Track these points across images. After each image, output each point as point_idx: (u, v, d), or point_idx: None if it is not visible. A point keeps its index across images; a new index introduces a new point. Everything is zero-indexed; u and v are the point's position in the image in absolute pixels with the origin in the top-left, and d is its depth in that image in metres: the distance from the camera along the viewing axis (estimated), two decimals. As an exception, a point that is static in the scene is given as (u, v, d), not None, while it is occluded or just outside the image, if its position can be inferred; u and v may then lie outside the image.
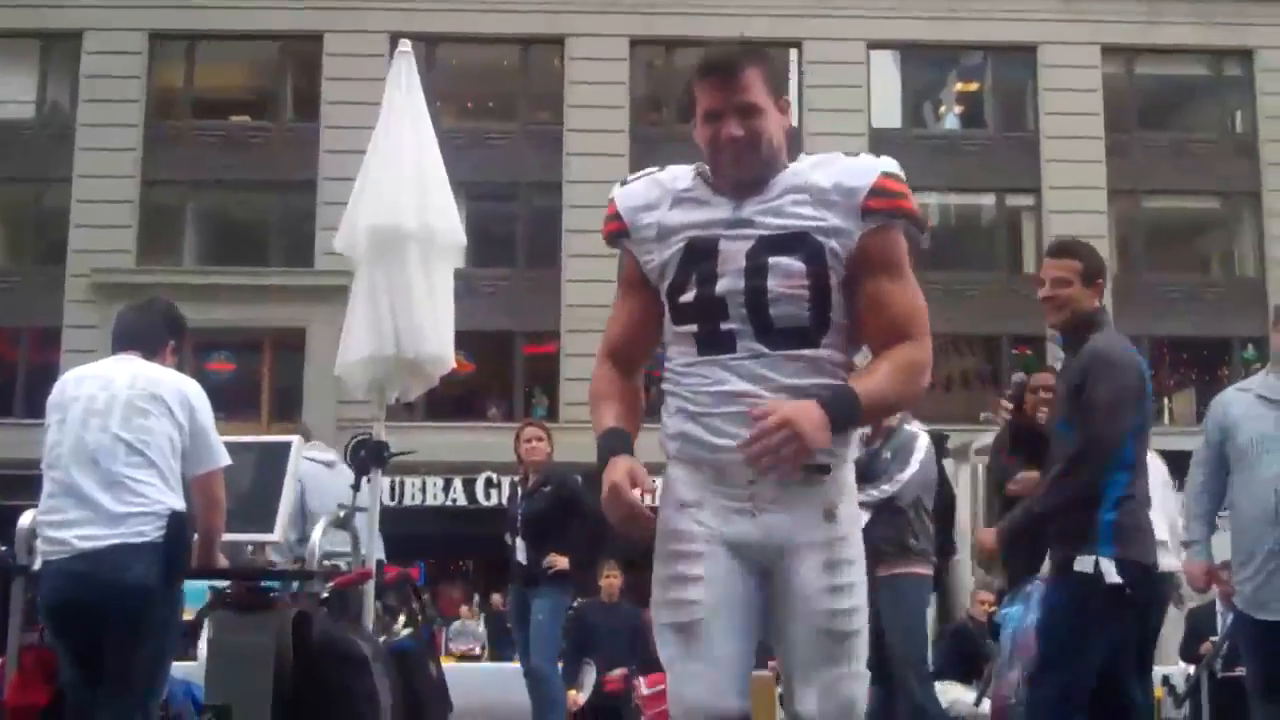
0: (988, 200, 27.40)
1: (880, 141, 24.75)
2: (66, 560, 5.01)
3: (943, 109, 28.28)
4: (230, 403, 20.97)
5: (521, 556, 8.76)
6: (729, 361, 3.08)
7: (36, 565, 5.42)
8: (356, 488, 6.44)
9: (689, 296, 3.11)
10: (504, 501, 8.89)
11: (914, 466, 7.27)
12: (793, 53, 26.35)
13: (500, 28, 25.74)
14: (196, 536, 5.30)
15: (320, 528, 6.07)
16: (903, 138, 26.08)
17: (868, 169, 3.11)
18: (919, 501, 7.33)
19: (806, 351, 3.07)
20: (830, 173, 3.12)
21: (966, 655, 10.59)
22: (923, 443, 7.38)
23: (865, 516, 7.23)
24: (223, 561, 5.61)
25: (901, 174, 3.14)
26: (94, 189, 25.52)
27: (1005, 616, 6.51)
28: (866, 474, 7.16)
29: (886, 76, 27.12)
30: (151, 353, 5.41)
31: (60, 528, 5.06)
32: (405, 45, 7.10)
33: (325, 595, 5.90)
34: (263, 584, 5.95)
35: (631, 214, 3.21)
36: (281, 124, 27.02)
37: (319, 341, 23.14)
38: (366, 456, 6.46)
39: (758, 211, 3.10)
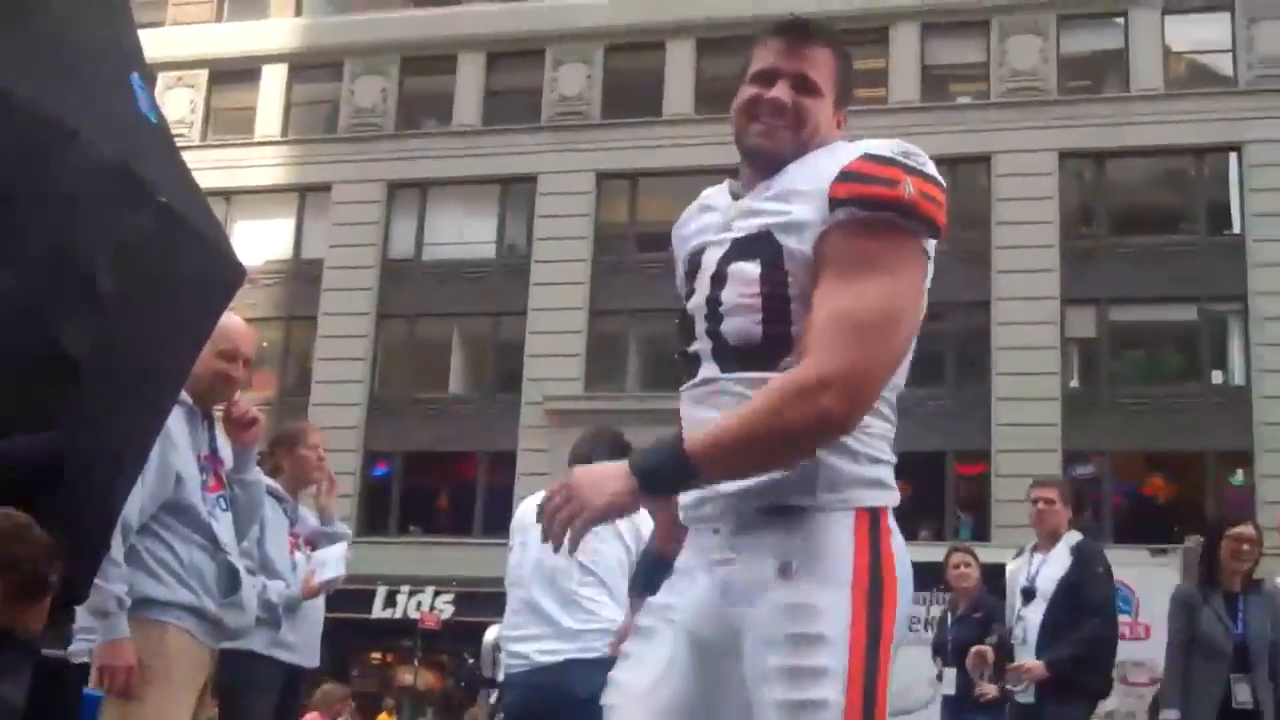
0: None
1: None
2: (527, 674, 5.41)
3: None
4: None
5: (951, 686, 8.70)
6: (688, 391, 2.61)
7: (500, 677, 5.90)
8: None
9: (678, 319, 2.67)
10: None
11: None
12: (1231, 156, 25.54)
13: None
14: None
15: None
16: None
17: (848, 152, 2.51)
18: None
19: (757, 374, 2.45)
20: (810, 164, 2.54)
21: None
22: None
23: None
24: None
25: (898, 156, 2.48)
26: (546, 320, 27.26)
27: None
28: None
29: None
30: None
31: (522, 642, 5.47)
32: None
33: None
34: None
35: (675, 232, 2.81)
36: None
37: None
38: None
39: (742, 211, 2.58)
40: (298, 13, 31.09)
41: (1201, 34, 26.57)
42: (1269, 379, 24.33)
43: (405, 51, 29.85)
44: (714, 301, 2.52)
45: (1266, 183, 24.85)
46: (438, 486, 28.47)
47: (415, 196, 29.34)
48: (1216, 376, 25.66)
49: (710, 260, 2.57)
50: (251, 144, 30.11)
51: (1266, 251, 24.65)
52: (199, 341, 3.62)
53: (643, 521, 5.58)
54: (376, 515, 27.57)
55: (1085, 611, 6.79)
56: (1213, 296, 25.39)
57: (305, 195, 29.85)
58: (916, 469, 23.87)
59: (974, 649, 7.40)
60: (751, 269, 2.48)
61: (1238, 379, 25.25)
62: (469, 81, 29.45)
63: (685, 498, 2.57)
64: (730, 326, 2.49)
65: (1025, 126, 26.05)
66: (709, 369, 2.54)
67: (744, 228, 2.54)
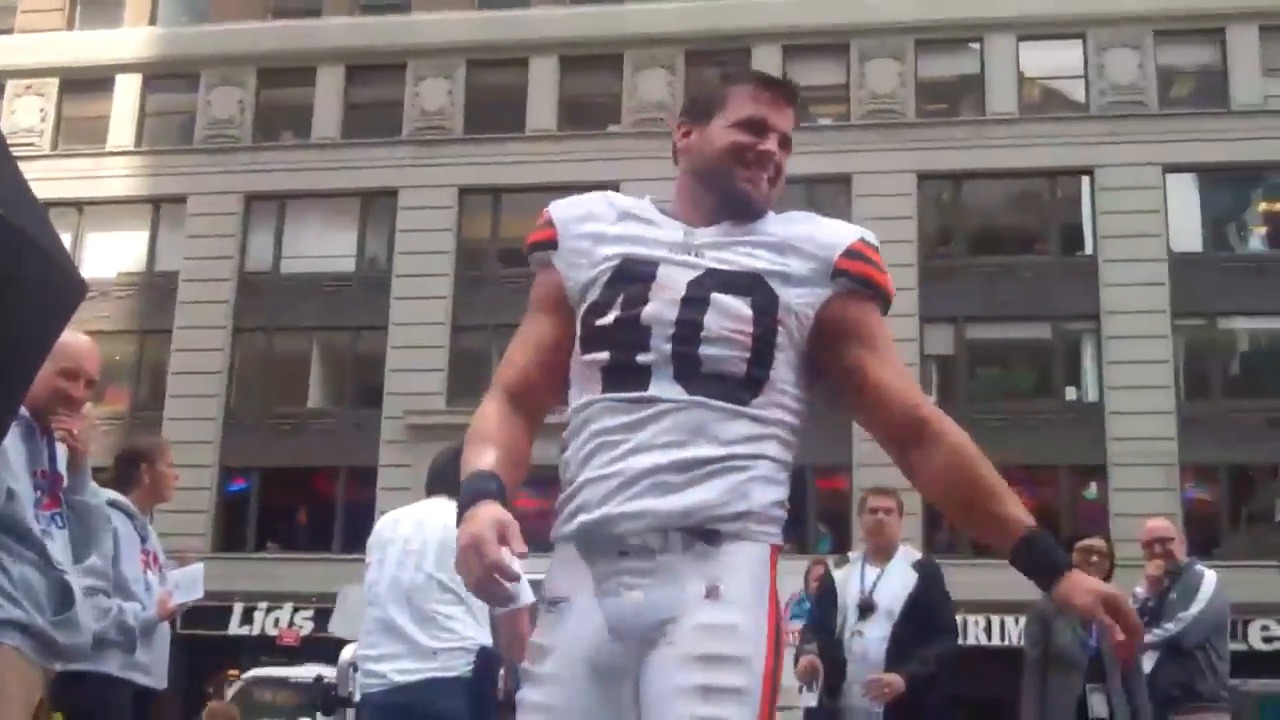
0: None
1: (1181, 266, 24.34)
2: (385, 693, 5.30)
3: (1247, 230, 27.39)
4: (534, 537, 21.47)
5: (813, 699, 8.70)
6: (631, 402, 2.55)
7: (357, 696, 5.73)
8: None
9: (608, 319, 2.62)
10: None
11: (1200, 605, 7.10)
12: (1084, 179, 26.20)
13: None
14: (502, 671, 5.55)
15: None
16: (1205, 261, 25.54)
17: (848, 230, 2.70)
18: (1209, 643, 7.14)
19: (730, 406, 2.55)
20: (802, 227, 2.69)
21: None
22: (1210, 580, 7.21)
23: (1153, 659, 7.10)
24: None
25: (877, 246, 2.72)
26: (408, 335, 27.02)
27: None
28: (1155, 615, 7.06)
29: (1185, 200, 26.51)
30: None
31: (379, 661, 5.36)
32: None
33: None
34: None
35: (565, 224, 2.76)
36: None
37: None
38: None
39: (710, 245, 2.65)
40: (152, 21, 30.42)
41: (1055, 60, 27.23)
42: (1120, 395, 24.98)
43: (263, 63, 29.39)
44: (690, 324, 2.57)
45: (1117, 205, 25.51)
46: (296, 502, 28.04)
47: (273, 209, 28.89)
48: (1070, 393, 26.28)
49: (675, 279, 2.61)
50: (104, 154, 29.40)
51: (1117, 272, 25.30)
52: (38, 359, 3.46)
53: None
54: (233, 531, 27.09)
55: (937, 630, 6.69)
56: (1066, 315, 26.00)
57: (160, 207, 29.22)
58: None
59: (802, 659, 7.06)
60: (741, 307, 2.58)
61: (1091, 395, 25.88)
62: (328, 94, 29.10)
63: (577, 521, 2.56)
64: (710, 353, 2.56)
65: (884, 148, 26.47)
66: (663, 388, 2.56)
67: (724, 261, 2.62)
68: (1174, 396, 25.05)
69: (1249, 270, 25.89)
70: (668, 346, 2.57)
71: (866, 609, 6.76)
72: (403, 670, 5.28)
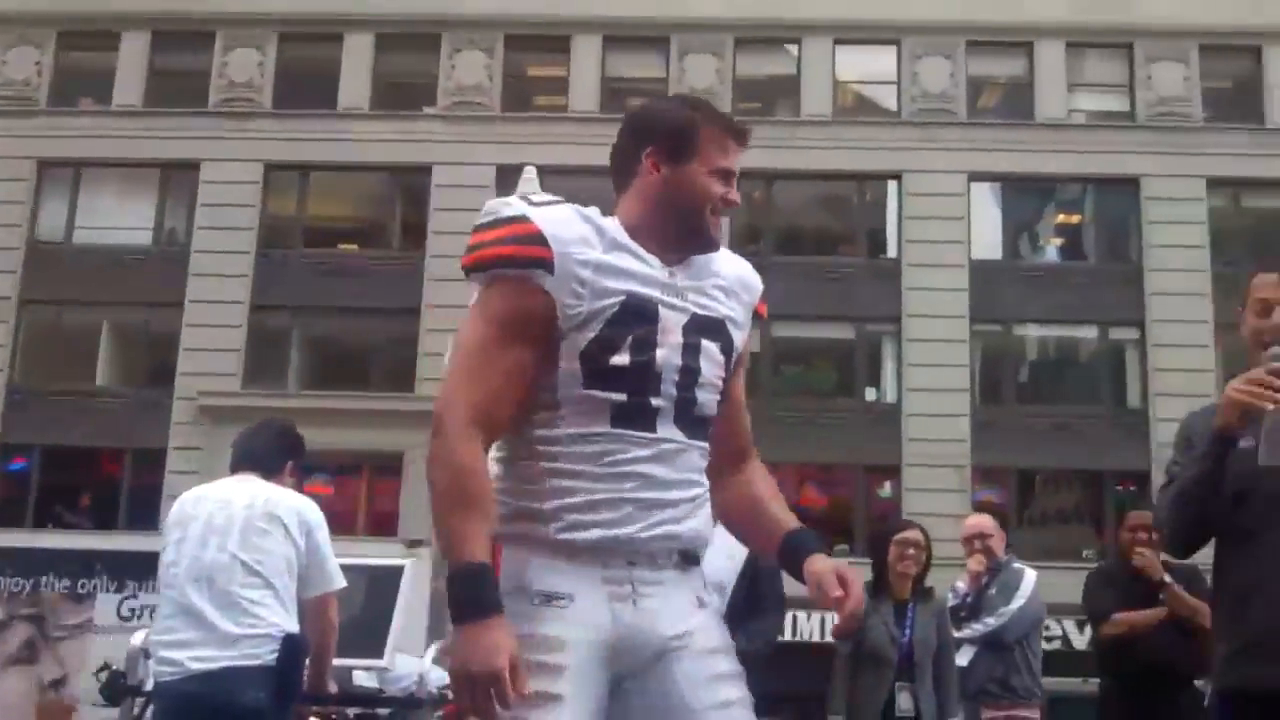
0: (1089, 333, 27.14)
1: (981, 273, 24.93)
2: (180, 681, 4.94)
3: (1043, 241, 28.22)
4: (339, 521, 21.06)
5: None
6: (645, 439, 2.70)
7: (149, 685, 5.40)
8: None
9: (622, 360, 2.67)
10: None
11: (1020, 601, 7.15)
12: (892, 184, 26.67)
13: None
14: (309, 660, 5.27)
15: (431, 653, 6.03)
16: (1003, 269, 26.22)
17: (743, 263, 2.96)
18: (1025, 640, 7.20)
19: (705, 445, 2.81)
20: (732, 267, 2.92)
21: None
22: (1029, 578, 7.28)
23: (970, 654, 7.13)
24: (333, 687, 5.54)
25: None
26: (204, 314, 26.17)
27: None
28: (975, 610, 7.07)
29: (988, 208, 27.18)
30: (270, 473, 5.32)
31: (174, 648, 4.98)
32: (530, 173, 7.17)
33: (433, 724, 5.86)
34: (369, 710, 5.91)
35: (564, 245, 2.67)
36: (388, 253, 27.58)
37: (418, 467, 23.38)
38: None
39: (689, 286, 2.79)
40: (-57, -26, 28.96)
41: (870, 65, 27.68)
42: (917, 398, 25.49)
43: (63, 24, 28.17)
44: (692, 371, 2.75)
45: (922, 210, 26.03)
46: (80, 483, 26.91)
47: (68, 177, 27.68)
48: (870, 394, 26.74)
49: (673, 323, 2.74)
50: (-116, 110, 27.84)
51: (920, 276, 25.81)
52: None
53: (314, 517, 5.22)
54: (11, 510, 25.85)
55: (768, 605, 6.45)
56: (869, 317, 26.45)
57: (-56, 170, 27.80)
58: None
59: None
60: (717, 352, 2.80)
61: (889, 397, 26.36)
62: (132, 60, 28.00)
63: (596, 533, 2.67)
64: (702, 398, 2.78)
65: None
66: (668, 430, 2.73)
67: (702, 307, 2.80)
68: (969, 400, 25.67)
69: (1044, 280, 26.66)
70: (675, 392, 2.73)
71: None
72: (200, 658, 4.91)
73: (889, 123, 27.21)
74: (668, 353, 2.71)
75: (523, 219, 2.69)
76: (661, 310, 2.72)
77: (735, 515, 2.99)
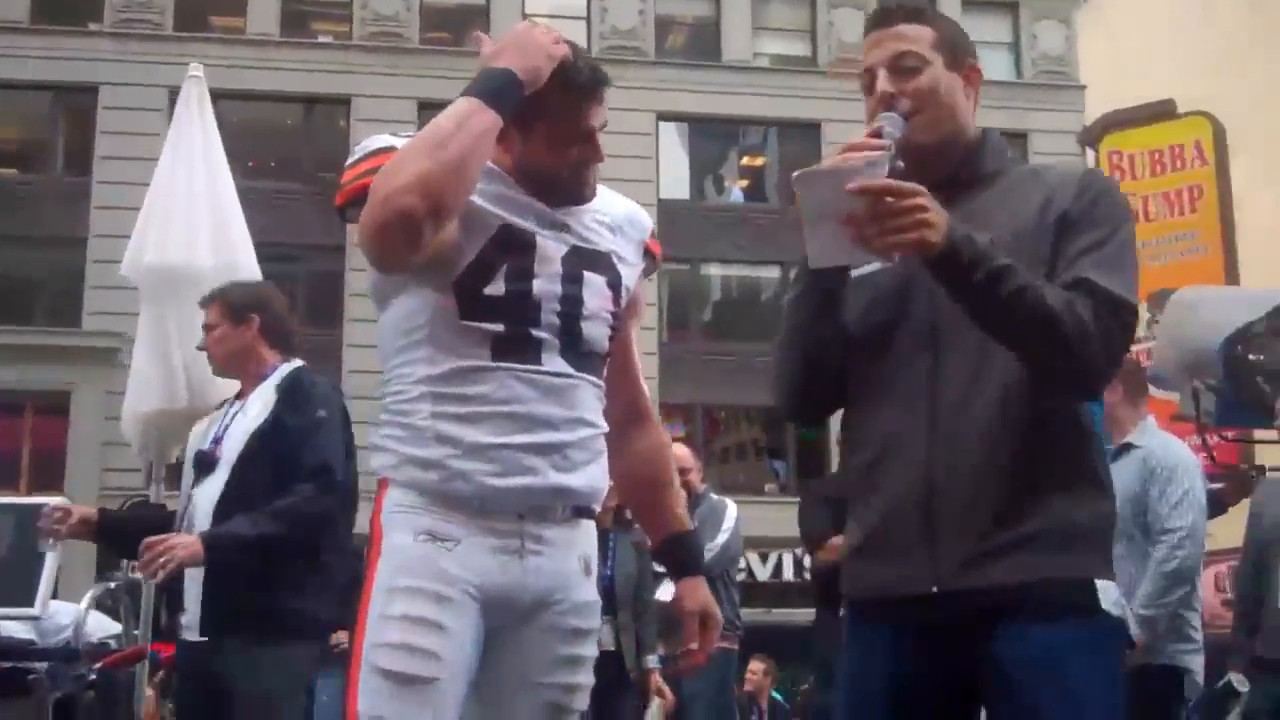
0: (772, 273, 27.79)
1: (668, 211, 25.16)
2: None
3: (728, 182, 28.71)
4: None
5: None
6: (532, 375, 2.60)
7: None
8: (130, 556, 5.91)
9: (497, 289, 2.59)
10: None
11: (725, 535, 7.12)
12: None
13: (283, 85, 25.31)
14: None
15: (87, 601, 5.57)
16: (690, 208, 26.56)
17: (634, 206, 2.90)
18: (725, 573, 7.17)
19: (598, 382, 2.73)
20: (615, 203, 2.86)
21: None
22: (732, 511, 7.25)
23: (669, 588, 7.04)
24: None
25: None
26: None
27: None
28: None
29: (675, 149, 27.45)
30: None
31: None
32: (197, 70, 6.47)
33: (92, 678, 5.41)
34: (21, 664, 5.41)
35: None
36: (51, 178, 25.93)
37: (85, 405, 22.18)
38: (145, 524, 5.94)
39: (570, 219, 2.71)
40: None
41: (560, 0, 27.48)
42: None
43: None
44: (574, 300, 2.66)
45: (614, 149, 26.02)
46: None
47: None
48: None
49: (550, 252, 2.66)
50: None
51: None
52: None
53: None
54: None
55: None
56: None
57: None
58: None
59: None
60: (603, 284, 2.72)
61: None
62: None
63: (476, 481, 2.58)
64: (590, 331, 2.69)
65: (385, 72, 25.81)
66: (555, 362, 2.63)
67: (584, 240, 2.71)
68: (656, 338, 25.95)
69: (729, 220, 27.13)
70: (557, 321, 2.63)
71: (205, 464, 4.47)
72: None
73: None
74: (545, 282, 2.64)
75: (391, 149, 2.59)
76: (539, 239, 2.66)
77: (630, 491, 3.04)
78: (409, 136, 2.61)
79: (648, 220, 2.90)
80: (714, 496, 7.36)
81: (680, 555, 2.95)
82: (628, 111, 26.20)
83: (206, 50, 24.66)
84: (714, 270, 27.72)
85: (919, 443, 2.49)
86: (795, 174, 2.32)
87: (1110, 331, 2.38)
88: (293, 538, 4.14)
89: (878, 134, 2.44)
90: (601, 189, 2.79)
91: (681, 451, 7.57)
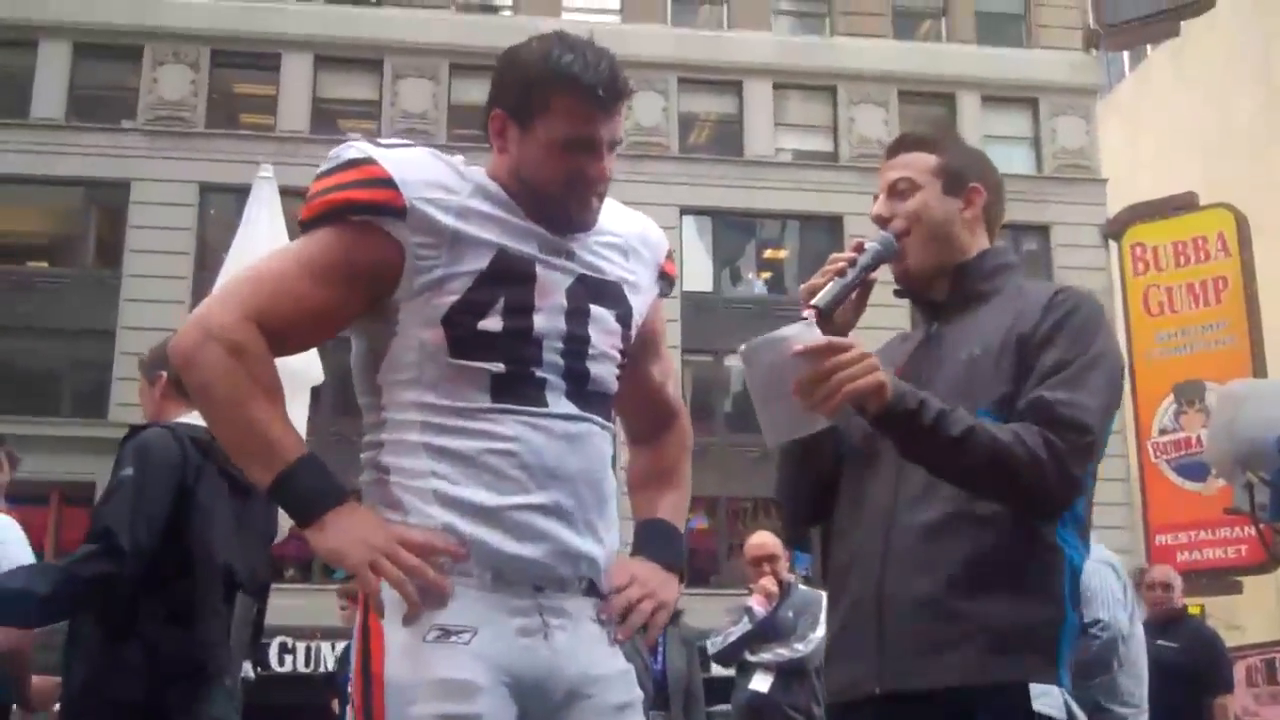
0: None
1: (692, 303, 25.33)
2: None
3: (750, 275, 28.88)
4: None
5: None
6: (536, 415, 2.34)
7: None
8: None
9: (493, 324, 2.31)
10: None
11: (823, 628, 7.01)
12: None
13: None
14: None
15: None
16: (712, 301, 26.75)
17: (653, 223, 2.64)
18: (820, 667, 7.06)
19: (608, 425, 2.47)
20: (630, 224, 2.58)
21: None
22: (824, 601, 7.16)
23: (769, 680, 6.95)
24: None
25: None
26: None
27: None
28: (770, 634, 6.89)
29: (698, 242, 27.67)
30: None
31: None
32: (267, 170, 6.77)
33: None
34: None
35: (415, 187, 2.32)
36: (82, 271, 26.19)
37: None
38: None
39: (575, 244, 2.44)
40: None
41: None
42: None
43: None
44: (579, 339, 2.40)
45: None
46: None
47: None
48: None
49: (554, 284, 2.39)
50: None
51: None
52: None
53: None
54: None
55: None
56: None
57: None
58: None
59: None
60: (611, 319, 2.46)
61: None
62: None
63: (501, 548, 2.30)
64: (597, 371, 2.43)
65: (170, 156, 25.41)
66: (562, 405, 2.38)
67: (592, 269, 2.45)
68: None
69: (751, 312, 27.27)
70: (561, 361, 2.38)
71: None
72: None
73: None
74: (547, 317, 2.36)
75: (367, 160, 2.33)
76: (540, 270, 2.38)
77: (631, 487, 2.76)
78: (396, 144, 2.41)
79: (663, 239, 2.64)
80: (803, 588, 7.23)
81: (653, 538, 2.62)
82: (652, 205, 26.50)
83: (236, 146, 25.07)
84: (736, 362, 27.61)
85: (875, 548, 2.63)
86: (740, 349, 2.43)
87: (1061, 456, 2.44)
88: (57, 596, 3.94)
89: (860, 248, 2.69)
90: (610, 203, 2.51)
91: (768, 538, 7.46)
